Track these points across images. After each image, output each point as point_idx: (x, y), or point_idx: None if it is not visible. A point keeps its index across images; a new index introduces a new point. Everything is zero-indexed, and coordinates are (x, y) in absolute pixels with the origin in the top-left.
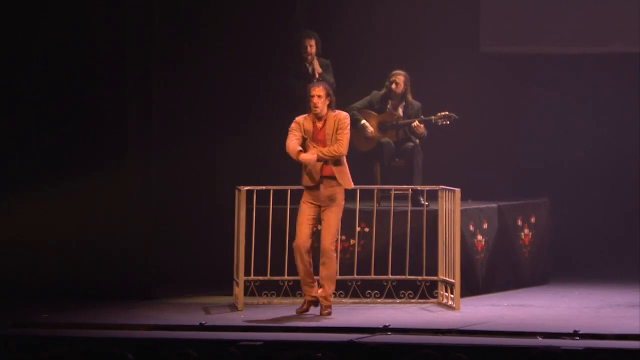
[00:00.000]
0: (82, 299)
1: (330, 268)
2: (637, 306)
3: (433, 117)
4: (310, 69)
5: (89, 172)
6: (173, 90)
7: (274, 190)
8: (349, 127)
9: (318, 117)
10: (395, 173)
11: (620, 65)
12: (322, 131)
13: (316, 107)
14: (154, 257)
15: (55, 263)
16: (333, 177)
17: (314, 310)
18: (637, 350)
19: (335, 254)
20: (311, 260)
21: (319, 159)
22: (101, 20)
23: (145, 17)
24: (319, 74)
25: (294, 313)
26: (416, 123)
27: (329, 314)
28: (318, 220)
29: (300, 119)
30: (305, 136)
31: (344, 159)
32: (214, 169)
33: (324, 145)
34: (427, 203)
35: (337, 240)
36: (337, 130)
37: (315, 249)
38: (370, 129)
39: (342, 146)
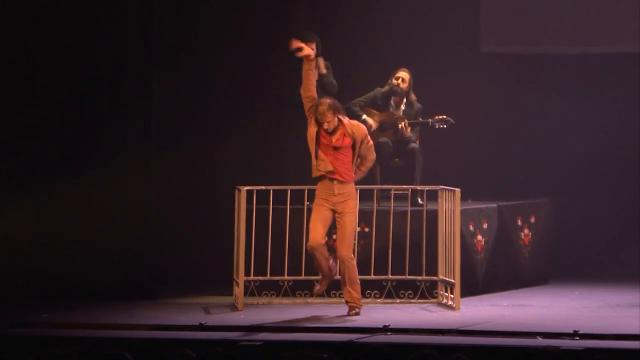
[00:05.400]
0: (82, 299)
1: (351, 272)
2: (637, 306)
3: (430, 120)
4: None
5: (89, 173)
6: (173, 90)
7: (274, 190)
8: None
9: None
10: (395, 173)
11: (620, 65)
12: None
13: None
14: (154, 257)
15: (56, 263)
16: (347, 182)
17: (325, 311)
18: (637, 350)
19: (354, 260)
20: (328, 255)
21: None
22: (102, 21)
23: (145, 17)
24: (324, 75)
25: (295, 312)
26: (403, 125)
27: (357, 314)
28: (331, 223)
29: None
30: (312, 135)
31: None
32: (214, 169)
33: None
34: (423, 203)
35: (354, 246)
36: (362, 146)
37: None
38: (371, 121)
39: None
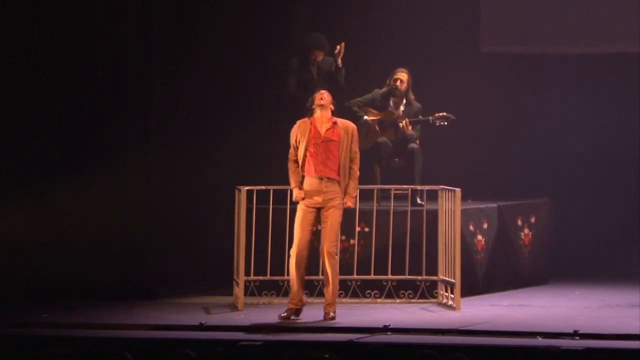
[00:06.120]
0: (82, 299)
1: (334, 270)
2: (637, 306)
3: (430, 117)
4: (314, 72)
5: (89, 173)
6: (173, 90)
7: (274, 190)
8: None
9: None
10: (395, 173)
11: (620, 65)
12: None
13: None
14: (154, 257)
15: (56, 263)
16: (334, 180)
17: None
18: (637, 350)
19: (337, 257)
20: (305, 268)
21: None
22: (102, 21)
23: (145, 17)
24: (339, 70)
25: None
26: (404, 123)
27: (333, 318)
28: (317, 224)
29: (295, 128)
30: (301, 139)
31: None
32: (214, 169)
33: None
34: (424, 203)
35: (338, 243)
36: (352, 143)
37: (314, 249)
38: (370, 120)
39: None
